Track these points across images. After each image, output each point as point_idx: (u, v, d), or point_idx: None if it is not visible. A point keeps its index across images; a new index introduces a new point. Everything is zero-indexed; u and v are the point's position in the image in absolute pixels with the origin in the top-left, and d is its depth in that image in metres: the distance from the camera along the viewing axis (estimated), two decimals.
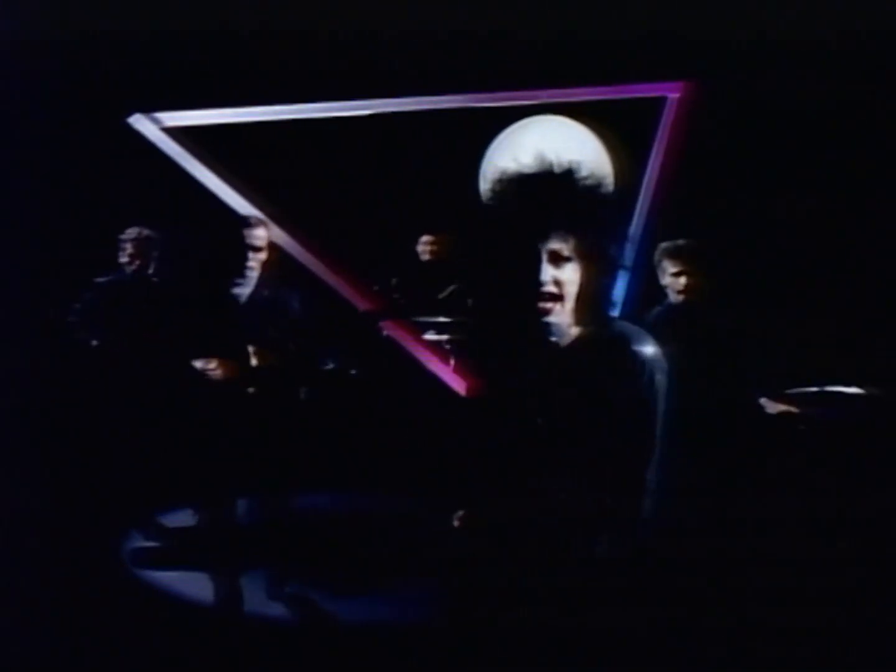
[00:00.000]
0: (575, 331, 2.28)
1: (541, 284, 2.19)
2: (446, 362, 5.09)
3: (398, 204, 5.53)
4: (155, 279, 4.87)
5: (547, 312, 2.20)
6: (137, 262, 4.88)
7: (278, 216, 5.26)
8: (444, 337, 5.28)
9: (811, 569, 3.48)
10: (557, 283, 2.19)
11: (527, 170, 2.23)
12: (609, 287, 2.25)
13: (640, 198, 5.16)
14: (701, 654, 2.97)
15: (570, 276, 2.19)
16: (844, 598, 3.40)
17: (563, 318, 2.23)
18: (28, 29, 4.84)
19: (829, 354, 4.49)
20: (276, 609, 4.05)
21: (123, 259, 4.89)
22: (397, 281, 5.49)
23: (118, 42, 4.92)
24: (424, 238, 5.53)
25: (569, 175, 2.22)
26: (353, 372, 5.08)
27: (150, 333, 4.61)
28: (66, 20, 4.80)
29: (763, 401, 4.04)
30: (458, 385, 4.95)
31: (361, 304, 5.32)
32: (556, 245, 2.18)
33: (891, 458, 3.86)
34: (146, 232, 4.90)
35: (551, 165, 2.22)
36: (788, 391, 4.18)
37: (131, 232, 4.89)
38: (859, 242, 5.08)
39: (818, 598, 3.38)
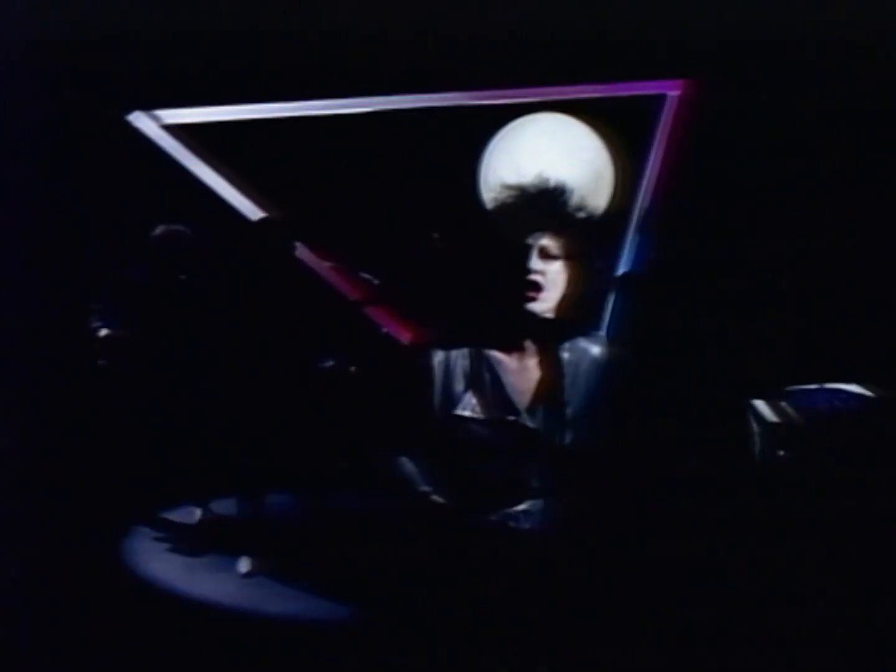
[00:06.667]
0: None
1: (528, 272, 2.35)
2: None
3: (397, 201, 5.53)
4: (182, 277, 4.88)
5: (531, 300, 2.35)
6: (166, 260, 4.88)
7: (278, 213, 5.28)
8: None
9: (810, 569, 3.50)
10: (543, 274, 2.35)
11: (523, 182, 2.37)
12: (592, 293, 2.37)
13: (640, 196, 5.17)
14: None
15: (556, 271, 2.35)
16: (842, 598, 3.41)
17: (546, 307, 2.37)
18: (27, 27, 4.84)
19: (829, 354, 4.51)
20: (276, 609, 4.06)
21: (151, 255, 4.89)
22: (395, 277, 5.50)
23: (118, 40, 4.93)
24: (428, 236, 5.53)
25: (558, 192, 2.36)
26: (352, 370, 5.08)
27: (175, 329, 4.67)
28: (65, 18, 4.81)
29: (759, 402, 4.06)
30: None
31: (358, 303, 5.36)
32: (546, 242, 2.35)
33: (891, 457, 3.88)
34: (177, 230, 4.91)
35: (546, 182, 2.36)
36: (787, 389, 4.19)
37: (161, 229, 4.90)
38: (859, 241, 5.09)
39: (815, 600, 3.40)
